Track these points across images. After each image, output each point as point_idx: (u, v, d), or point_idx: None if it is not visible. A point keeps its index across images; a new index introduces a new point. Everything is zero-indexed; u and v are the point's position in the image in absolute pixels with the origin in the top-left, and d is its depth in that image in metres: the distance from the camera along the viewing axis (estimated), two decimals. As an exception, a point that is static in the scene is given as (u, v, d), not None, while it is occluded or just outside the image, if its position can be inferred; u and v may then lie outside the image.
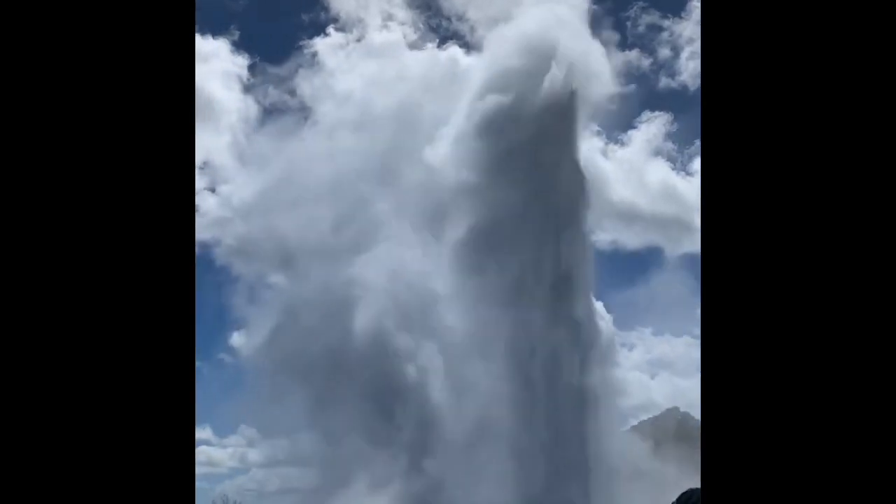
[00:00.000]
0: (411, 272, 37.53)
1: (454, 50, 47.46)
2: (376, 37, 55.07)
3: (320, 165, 41.92)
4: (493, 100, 36.89)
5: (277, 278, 41.30)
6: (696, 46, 53.88)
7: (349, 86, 48.55)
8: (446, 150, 38.22)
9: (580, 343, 34.25)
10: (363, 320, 35.99)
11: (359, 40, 56.12)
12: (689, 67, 59.91)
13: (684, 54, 60.91)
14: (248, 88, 63.05)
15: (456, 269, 36.00)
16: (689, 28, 60.14)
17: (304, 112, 48.96)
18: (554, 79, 35.83)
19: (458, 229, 36.43)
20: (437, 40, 53.60)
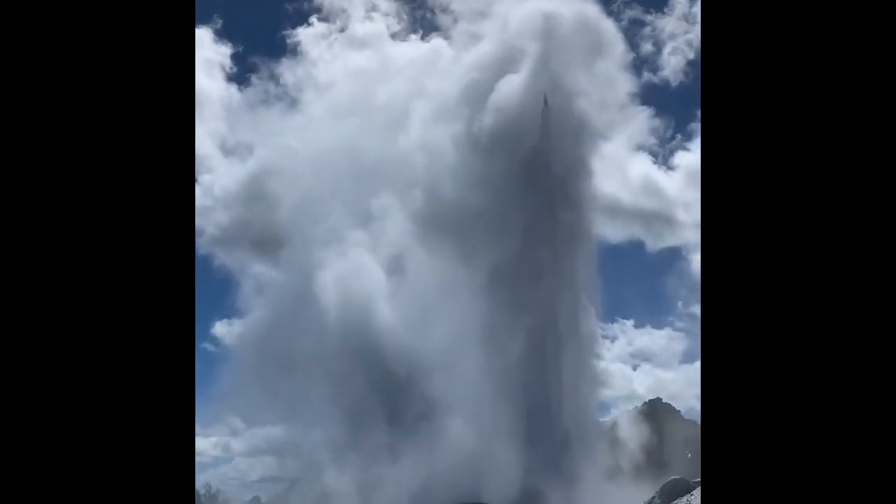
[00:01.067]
0: (397, 261, 37.44)
1: (438, 41, 47.25)
2: (359, 28, 54.88)
3: (303, 155, 41.69)
4: (477, 87, 36.92)
5: (260, 268, 41.07)
6: (679, 42, 54.01)
7: (332, 76, 48.37)
8: (430, 136, 38.17)
9: (564, 333, 34.37)
10: (348, 310, 35.88)
11: (342, 31, 55.90)
12: (672, 63, 60.07)
13: (666, 49, 61.02)
14: (231, 77, 62.57)
15: (443, 256, 35.96)
16: (671, 23, 60.28)
17: (287, 101, 48.68)
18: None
19: (444, 217, 36.39)
20: (421, 32, 53.36)
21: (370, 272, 37.12)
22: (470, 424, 32.88)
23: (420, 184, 38.24)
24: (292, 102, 47.83)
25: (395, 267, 37.26)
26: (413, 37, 53.34)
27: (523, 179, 35.83)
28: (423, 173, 37.91)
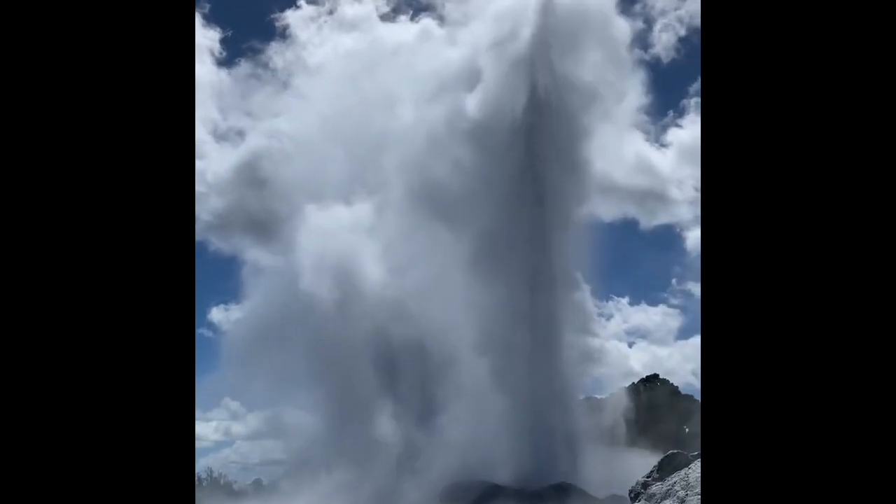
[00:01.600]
0: (393, 242, 37.42)
1: (427, 22, 46.94)
2: (348, 9, 54.50)
3: (295, 138, 41.50)
4: (469, 66, 36.75)
5: (255, 252, 41.03)
6: (670, 18, 53.56)
7: (322, 59, 48.10)
8: (421, 116, 38.01)
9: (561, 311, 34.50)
10: (343, 292, 35.92)
11: (330, 13, 55.49)
12: (663, 40, 59.62)
13: (657, 26, 60.53)
14: (220, 62, 62.04)
15: (435, 235, 35.96)
16: (661, 0, 59.70)
17: (277, 85, 48.39)
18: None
19: (436, 195, 36.32)
20: (410, 13, 52.95)
21: (366, 253, 37.15)
22: (468, 403, 33.05)
23: (412, 164, 38.15)
24: (283, 86, 47.58)
25: (391, 247, 37.26)
26: (402, 18, 53.02)
27: (515, 158, 35.77)
28: (416, 153, 37.81)
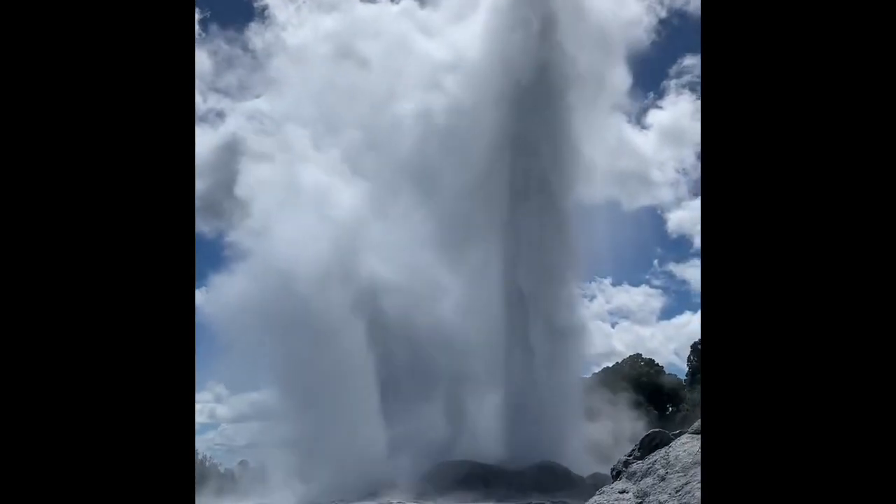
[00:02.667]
0: (375, 223, 37.42)
1: (408, 3, 46.64)
2: (327, -10, 53.91)
3: (275, 119, 41.26)
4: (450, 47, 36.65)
5: (235, 234, 40.81)
6: (651, 1, 53.23)
7: (301, 39, 47.72)
8: (403, 98, 37.90)
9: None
10: (323, 271, 35.87)
11: (310, -6, 54.99)
12: (644, 22, 59.49)
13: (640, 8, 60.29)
14: (198, 43, 61.33)
15: (418, 217, 35.99)
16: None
17: (256, 66, 47.99)
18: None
19: (418, 178, 36.33)
20: (390, -7, 52.41)
21: (345, 233, 37.08)
22: (453, 384, 33.27)
23: (395, 146, 38.09)
24: (261, 67, 47.22)
25: (372, 227, 37.25)
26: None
27: (499, 141, 35.79)
28: (398, 136, 37.73)
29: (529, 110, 35.75)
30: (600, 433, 33.89)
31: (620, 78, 40.15)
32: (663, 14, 57.98)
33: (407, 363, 34.64)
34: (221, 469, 55.03)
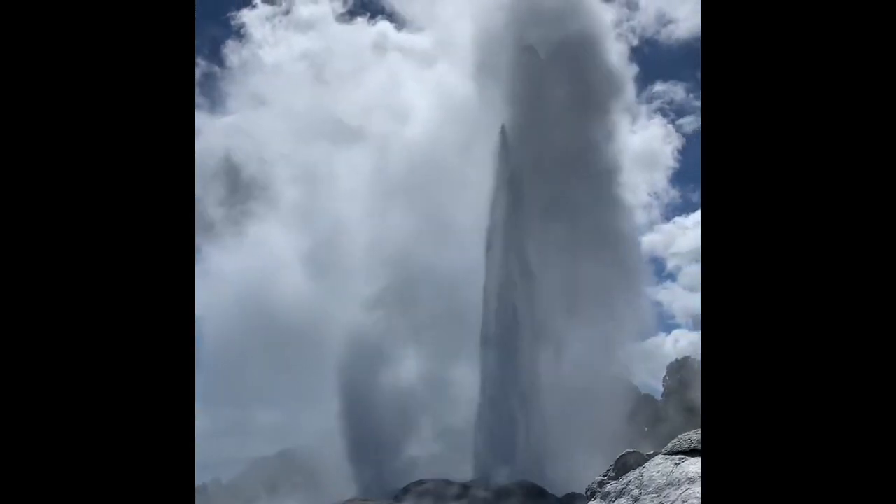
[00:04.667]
0: (364, 229, 37.23)
1: (384, 25, 47.02)
2: (304, 10, 54.30)
3: (249, 136, 41.26)
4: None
5: (209, 250, 40.49)
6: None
7: (277, 58, 47.97)
8: (382, 120, 38.01)
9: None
10: (304, 288, 35.66)
11: (286, 13, 55.30)
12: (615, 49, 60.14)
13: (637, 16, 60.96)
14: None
15: (415, 216, 35.85)
16: (638, -10, 60.07)
17: (231, 84, 48.17)
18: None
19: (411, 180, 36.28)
20: (367, 14, 52.88)
21: (332, 245, 36.89)
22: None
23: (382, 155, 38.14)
24: (238, 84, 47.40)
25: (361, 234, 37.02)
26: (360, 19, 53.00)
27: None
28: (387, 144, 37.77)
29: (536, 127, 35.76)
30: (577, 452, 33.78)
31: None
32: (635, 42, 58.60)
33: (385, 380, 34.40)
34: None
